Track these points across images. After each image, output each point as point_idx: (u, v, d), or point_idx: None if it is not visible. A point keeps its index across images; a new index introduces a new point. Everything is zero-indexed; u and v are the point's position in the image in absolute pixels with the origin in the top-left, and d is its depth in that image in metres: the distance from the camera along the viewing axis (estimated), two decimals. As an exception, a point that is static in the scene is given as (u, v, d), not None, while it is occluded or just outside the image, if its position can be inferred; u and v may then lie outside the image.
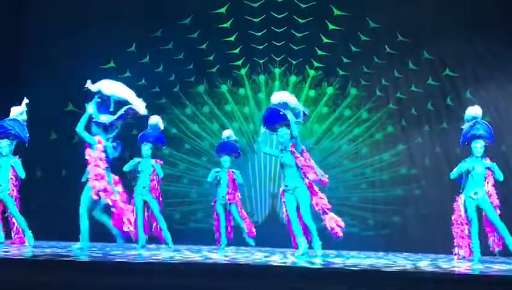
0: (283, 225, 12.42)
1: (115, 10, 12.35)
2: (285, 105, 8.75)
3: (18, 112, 9.48)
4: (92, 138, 8.46)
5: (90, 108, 8.47)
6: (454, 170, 9.03)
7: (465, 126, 8.98)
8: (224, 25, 12.76)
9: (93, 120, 8.52)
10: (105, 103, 8.57)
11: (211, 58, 12.83)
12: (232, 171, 10.67)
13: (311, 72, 12.90)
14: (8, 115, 9.56)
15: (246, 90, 13.03)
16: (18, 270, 5.52)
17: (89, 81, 8.48)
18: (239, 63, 12.90)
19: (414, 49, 12.57)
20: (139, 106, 8.68)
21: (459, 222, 8.96)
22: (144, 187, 9.74)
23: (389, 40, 12.62)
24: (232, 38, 12.79)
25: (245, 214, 10.82)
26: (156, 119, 10.01)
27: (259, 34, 12.78)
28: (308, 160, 8.61)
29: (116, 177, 8.95)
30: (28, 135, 9.46)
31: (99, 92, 8.54)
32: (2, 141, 9.35)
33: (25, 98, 9.52)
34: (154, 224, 9.82)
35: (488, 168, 8.85)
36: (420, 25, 12.49)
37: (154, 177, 9.81)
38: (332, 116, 12.91)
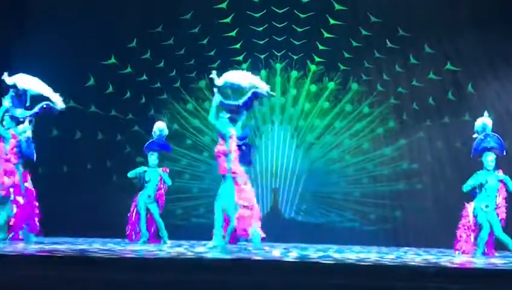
0: (284, 220, 12.55)
1: (115, 5, 12.32)
2: (234, 86, 8.50)
3: (21, 130, 9.43)
4: (6, 132, 8.46)
5: (7, 102, 8.47)
6: (466, 183, 9.02)
7: (477, 138, 8.99)
8: (225, 20, 12.74)
9: (8, 114, 8.53)
10: (21, 98, 8.60)
11: (212, 53, 12.81)
12: None
13: (312, 67, 12.88)
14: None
15: (247, 86, 12.99)
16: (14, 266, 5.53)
17: (5, 74, 8.50)
18: (240, 58, 12.87)
19: (415, 43, 12.54)
20: (56, 101, 8.68)
21: (466, 228, 8.94)
22: (149, 196, 9.85)
23: (390, 34, 12.59)
24: (233, 34, 12.77)
25: None
26: (159, 126, 10.05)
27: (260, 29, 12.75)
28: (231, 150, 8.35)
29: (26, 173, 8.97)
30: (34, 152, 9.36)
31: (14, 86, 8.55)
32: None
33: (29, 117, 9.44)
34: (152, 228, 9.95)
35: (501, 180, 8.87)
36: (421, 19, 12.45)
37: (162, 186, 9.94)
38: (334, 111, 12.89)
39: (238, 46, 12.83)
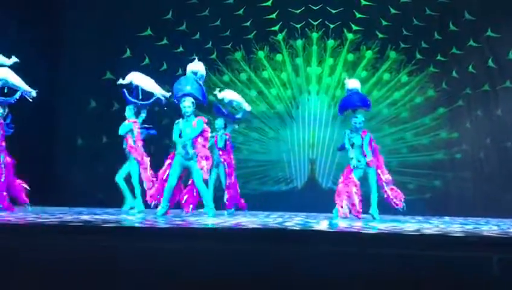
0: (321, 191, 12.50)
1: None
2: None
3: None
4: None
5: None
6: None
7: None
8: (261, -10, 12.65)
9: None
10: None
11: (248, 24, 12.73)
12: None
13: (349, 36, 12.72)
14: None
15: (283, 56, 12.93)
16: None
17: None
18: (276, 28, 12.78)
19: (455, 10, 12.30)
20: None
21: None
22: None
23: (428, 1, 12.36)
24: (269, 3, 12.66)
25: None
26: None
27: (296, -2, 12.64)
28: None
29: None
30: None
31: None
32: None
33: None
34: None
35: None
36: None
37: None
38: (372, 80, 12.75)
39: (274, 15, 12.73)
